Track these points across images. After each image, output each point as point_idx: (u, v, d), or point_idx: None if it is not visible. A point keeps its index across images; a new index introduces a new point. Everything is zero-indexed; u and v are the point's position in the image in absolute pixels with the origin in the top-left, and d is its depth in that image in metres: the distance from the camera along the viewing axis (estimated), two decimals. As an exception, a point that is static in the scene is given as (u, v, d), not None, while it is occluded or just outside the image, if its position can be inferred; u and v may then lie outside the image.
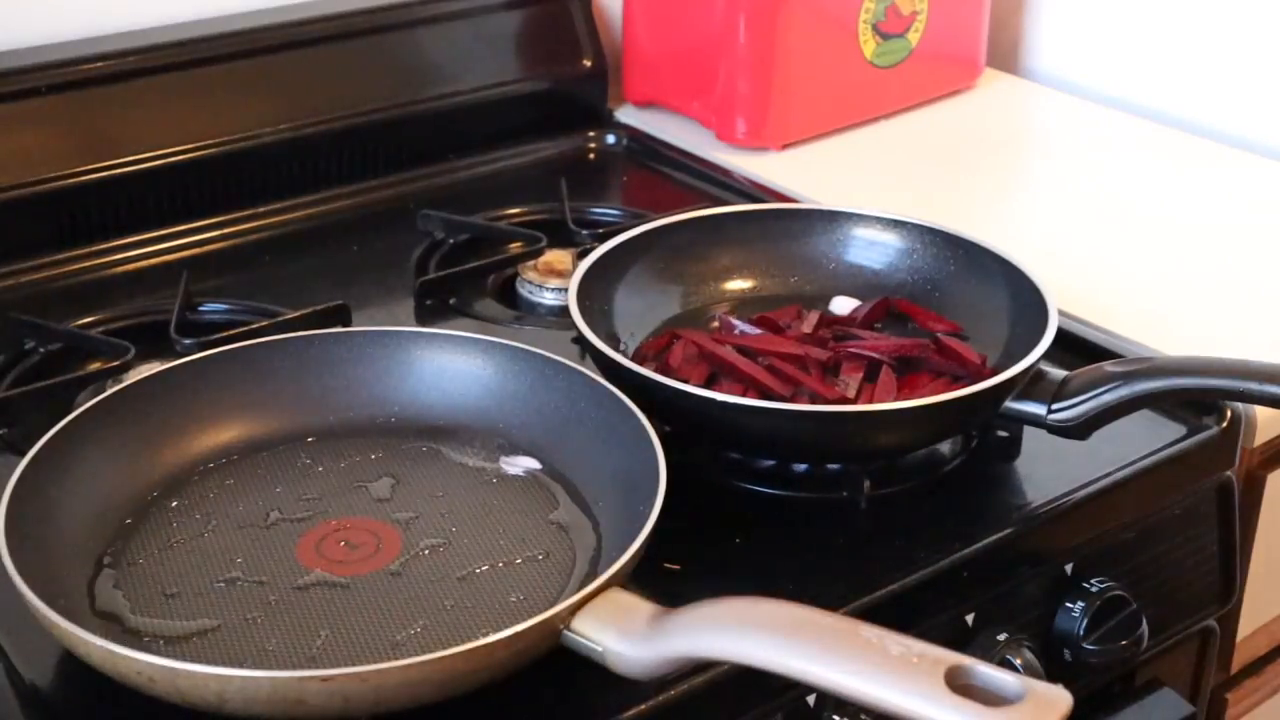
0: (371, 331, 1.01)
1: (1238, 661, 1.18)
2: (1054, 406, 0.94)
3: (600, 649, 0.75)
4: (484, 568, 0.86)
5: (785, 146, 1.45)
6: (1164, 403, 1.02)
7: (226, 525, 0.89)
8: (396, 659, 0.73)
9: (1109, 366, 0.94)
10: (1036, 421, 0.94)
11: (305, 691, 0.72)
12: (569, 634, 0.75)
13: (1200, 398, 1.02)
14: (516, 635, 0.73)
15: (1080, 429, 0.94)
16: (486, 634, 0.74)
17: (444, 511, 0.91)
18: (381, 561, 0.86)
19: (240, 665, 0.78)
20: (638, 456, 0.88)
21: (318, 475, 0.94)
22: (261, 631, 0.81)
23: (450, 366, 0.98)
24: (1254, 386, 0.89)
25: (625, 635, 0.74)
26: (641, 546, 0.80)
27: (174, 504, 0.91)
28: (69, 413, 0.90)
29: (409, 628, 0.81)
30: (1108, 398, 0.93)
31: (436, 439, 0.97)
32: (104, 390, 0.95)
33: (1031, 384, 0.94)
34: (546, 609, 0.76)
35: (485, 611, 0.83)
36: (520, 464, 0.95)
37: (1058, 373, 0.95)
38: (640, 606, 0.76)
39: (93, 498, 0.88)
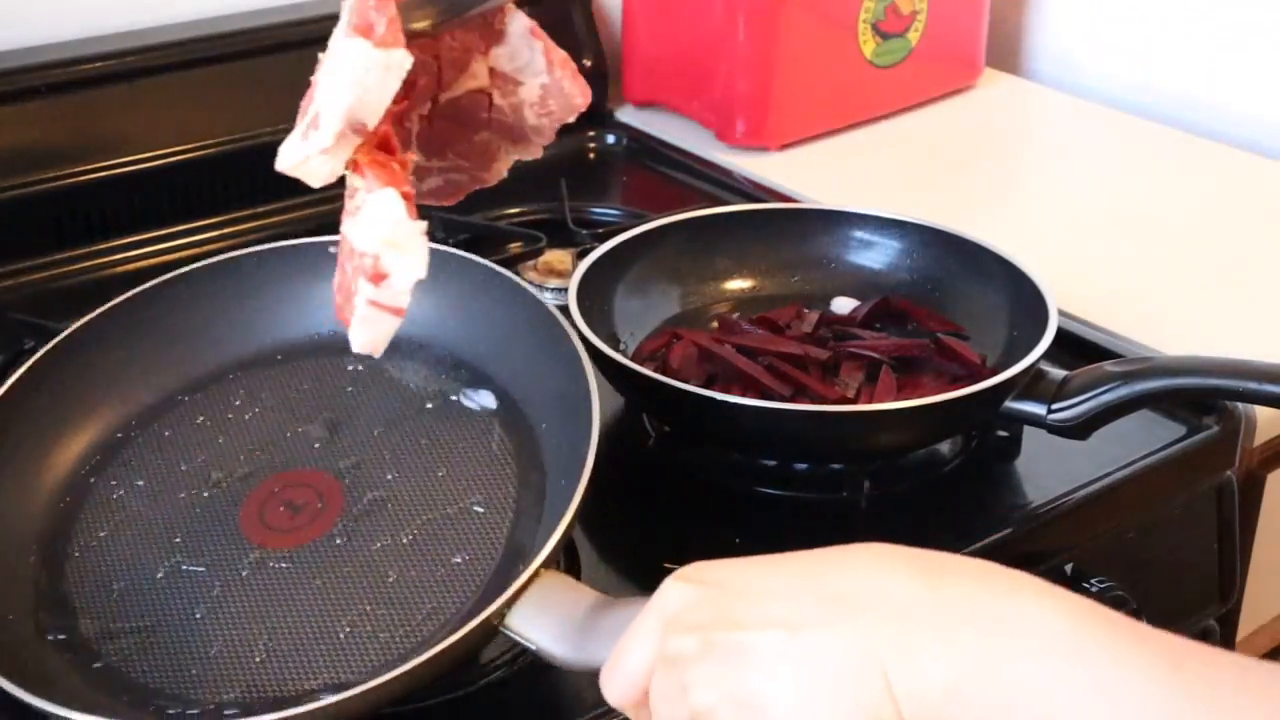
0: (287, 246, 0.97)
1: (1238, 661, 1.18)
2: (1054, 406, 0.94)
3: (534, 648, 0.73)
4: (426, 519, 0.84)
5: (785, 146, 1.45)
6: (1164, 403, 1.02)
7: (169, 490, 0.87)
8: (337, 663, 0.73)
9: (1109, 366, 0.94)
10: (1036, 421, 0.94)
11: None
12: (505, 631, 0.73)
13: (1200, 398, 1.02)
14: (452, 645, 0.72)
15: (1080, 429, 0.94)
16: (431, 611, 0.74)
17: (385, 455, 0.88)
18: (324, 527, 0.84)
19: (188, 674, 0.77)
20: (574, 383, 0.84)
21: (256, 419, 0.91)
22: (205, 633, 0.80)
23: None
24: (1254, 386, 0.89)
25: (560, 634, 0.72)
26: (569, 526, 0.76)
27: (113, 471, 0.89)
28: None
29: (352, 612, 0.80)
30: (1108, 398, 0.93)
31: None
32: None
33: (1032, 384, 0.94)
34: (487, 574, 0.75)
35: (429, 583, 0.81)
36: (479, 399, 0.91)
37: (1058, 372, 0.95)
38: (580, 597, 0.73)
39: (22, 487, 0.86)
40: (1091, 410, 0.93)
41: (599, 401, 0.81)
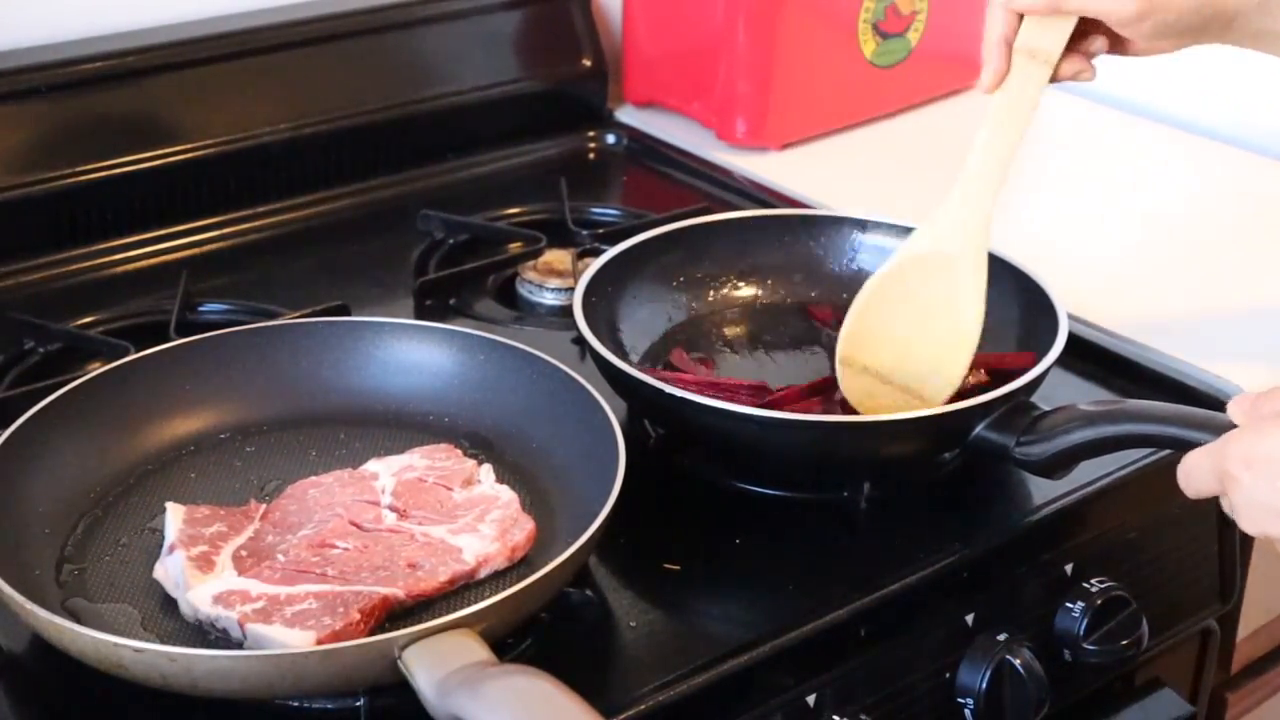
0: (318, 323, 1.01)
1: (1238, 661, 1.18)
2: (1022, 440, 0.91)
3: (415, 685, 0.73)
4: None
5: (785, 146, 1.45)
6: (1130, 448, 0.96)
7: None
8: None
9: (1082, 407, 0.91)
10: (1002, 453, 0.91)
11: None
12: (399, 661, 0.74)
13: (1168, 447, 0.97)
14: (339, 650, 0.74)
15: (1044, 467, 0.91)
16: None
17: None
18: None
19: None
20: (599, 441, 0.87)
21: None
22: None
23: (410, 356, 0.99)
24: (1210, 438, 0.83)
25: (434, 682, 0.72)
26: (503, 600, 0.77)
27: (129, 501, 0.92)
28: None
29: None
30: (1075, 438, 0.90)
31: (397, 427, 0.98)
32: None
33: (1011, 413, 0.92)
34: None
35: None
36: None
37: (1040, 407, 0.93)
38: (474, 654, 0.73)
39: (62, 486, 0.89)
40: (1056, 449, 0.90)
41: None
